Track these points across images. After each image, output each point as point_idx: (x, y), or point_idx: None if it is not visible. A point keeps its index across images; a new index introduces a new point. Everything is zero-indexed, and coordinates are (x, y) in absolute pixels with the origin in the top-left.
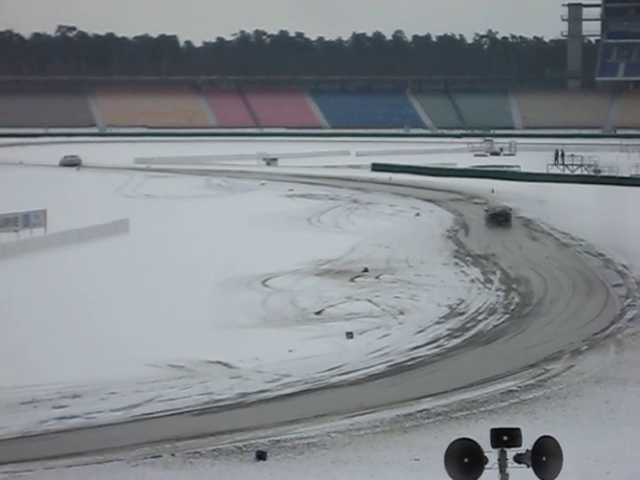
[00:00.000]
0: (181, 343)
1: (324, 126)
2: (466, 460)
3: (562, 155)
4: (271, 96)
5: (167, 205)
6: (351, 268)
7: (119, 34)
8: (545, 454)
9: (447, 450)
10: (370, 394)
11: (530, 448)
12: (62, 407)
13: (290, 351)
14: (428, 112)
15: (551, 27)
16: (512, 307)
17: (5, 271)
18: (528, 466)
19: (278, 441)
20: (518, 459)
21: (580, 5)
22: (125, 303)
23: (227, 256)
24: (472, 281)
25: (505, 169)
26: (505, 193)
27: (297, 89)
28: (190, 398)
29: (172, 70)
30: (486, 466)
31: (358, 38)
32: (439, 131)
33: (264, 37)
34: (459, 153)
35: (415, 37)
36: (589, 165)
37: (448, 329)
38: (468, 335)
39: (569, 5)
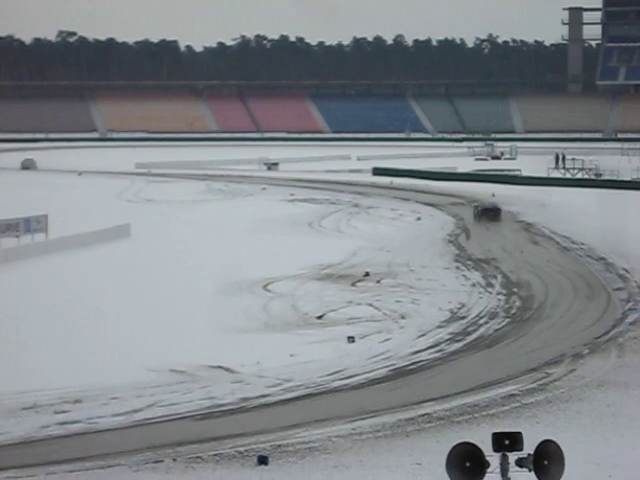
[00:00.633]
0: (182, 348)
1: (325, 130)
2: (468, 464)
3: (563, 159)
4: (272, 101)
5: (168, 210)
6: (352, 272)
7: (120, 39)
8: (547, 458)
9: (449, 454)
10: (371, 398)
11: (532, 452)
12: (64, 412)
13: (291, 355)
14: (429, 116)
15: (552, 31)
16: (513, 311)
17: (6, 276)
18: (530, 470)
19: (280, 446)
20: (520, 463)
21: (581, 9)
22: (126, 308)
23: (228, 261)
24: (473, 285)
25: (506, 173)
26: (506, 197)
27: (298, 93)
28: (192, 403)
29: (173, 75)
30: (488, 470)
31: (359, 42)
32: (440, 135)
33: (265, 42)
34: (460, 157)
35: (416, 41)
36: (590, 169)
37: (449, 333)
38: (469, 339)
39: (570, 9)
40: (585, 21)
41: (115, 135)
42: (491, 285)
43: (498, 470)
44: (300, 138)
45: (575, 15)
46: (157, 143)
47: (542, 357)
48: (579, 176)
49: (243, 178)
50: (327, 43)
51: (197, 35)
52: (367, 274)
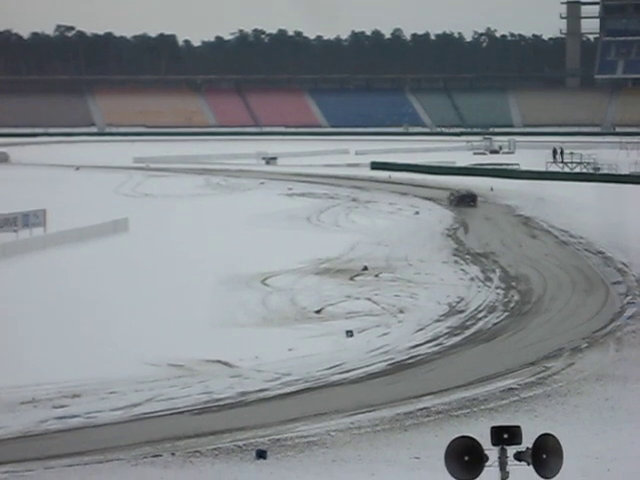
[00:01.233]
0: (181, 342)
1: (323, 125)
2: (466, 458)
3: (561, 153)
4: (270, 95)
5: (166, 204)
6: (351, 267)
7: (118, 33)
8: (545, 452)
9: (447, 448)
10: (370, 392)
11: (530, 446)
12: (62, 407)
13: (290, 350)
14: (427, 110)
15: (550, 25)
16: (512, 305)
17: (5, 271)
18: (528, 464)
19: (278, 440)
20: (518, 457)
21: (579, 3)
22: (124, 302)
23: (226, 255)
24: (472, 279)
25: (504, 167)
26: (504, 191)
27: (296, 88)
28: (190, 397)
29: (171, 69)
30: (486, 464)
31: (357, 37)
32: (438, 129)
33: (263, 36)
34: (458, 151)
35: (414, 35)
36: (588, 163)
37: (448, 327)
38: (468, 333)
39: (568, 3)
40: (583, 15)
41: (113, 129)
42: (489, 279)
43: (497, 464)
44: (298, 132)
45: (573, 9)
46: (155, 137)
47: (541, 351)
48: (577, 170)
49: (241, 172)
50: (325, 37)
51: (195, 29)
52: (365, 268)
